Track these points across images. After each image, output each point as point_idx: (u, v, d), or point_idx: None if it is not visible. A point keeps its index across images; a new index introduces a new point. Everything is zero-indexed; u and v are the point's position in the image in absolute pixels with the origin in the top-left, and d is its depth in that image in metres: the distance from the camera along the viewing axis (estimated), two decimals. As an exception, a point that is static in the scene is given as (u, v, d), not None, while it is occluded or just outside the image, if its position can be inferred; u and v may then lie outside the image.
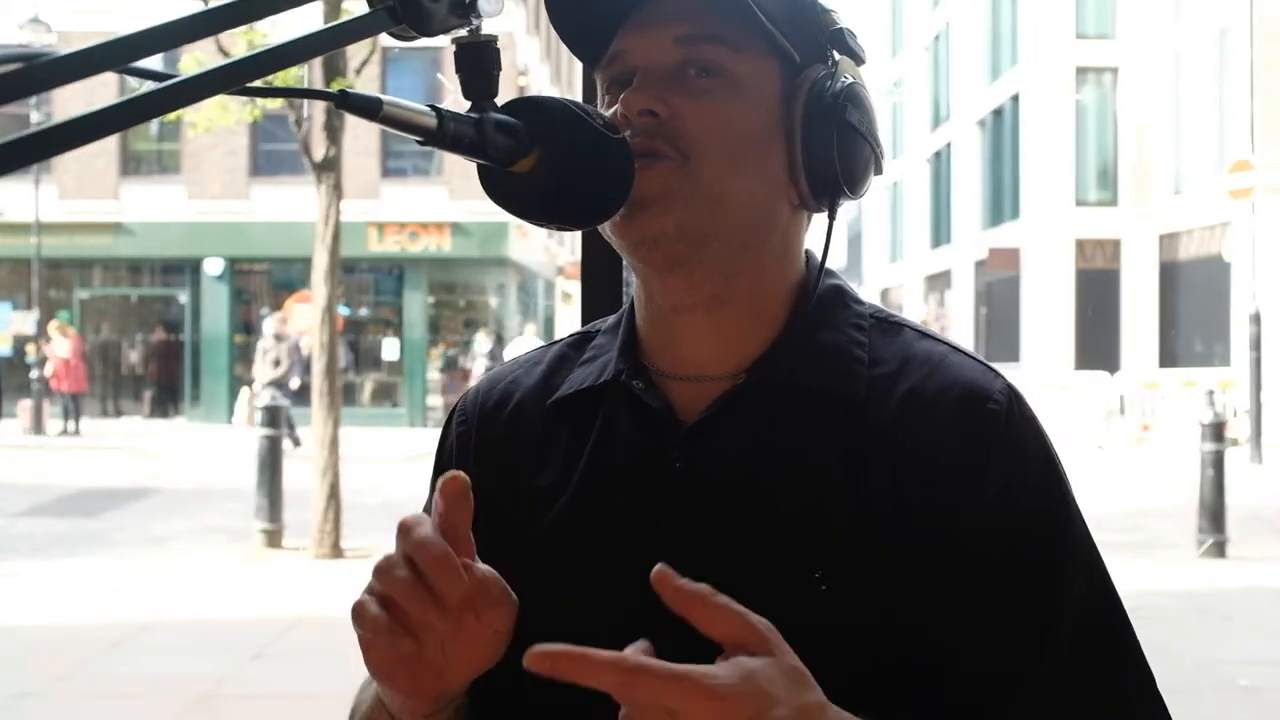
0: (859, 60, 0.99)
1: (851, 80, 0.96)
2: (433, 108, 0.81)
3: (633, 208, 0.92)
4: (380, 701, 0.95)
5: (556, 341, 1.11)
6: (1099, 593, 0.93)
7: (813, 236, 1.04)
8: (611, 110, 0.95)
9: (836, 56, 0.98)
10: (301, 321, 17.55)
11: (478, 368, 19.30)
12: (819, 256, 1.02)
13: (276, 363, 16.27)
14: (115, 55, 0.63)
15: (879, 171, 1.00)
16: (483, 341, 19.94)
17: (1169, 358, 22.82)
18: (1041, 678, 0.90)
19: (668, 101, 0.93)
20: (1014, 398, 0.95)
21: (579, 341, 1.09)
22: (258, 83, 0.69)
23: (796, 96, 0.95)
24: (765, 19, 0.92)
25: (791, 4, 0.97)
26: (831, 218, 0.98)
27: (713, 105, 0.93)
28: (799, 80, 0.95)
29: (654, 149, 0.92)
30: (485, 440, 1.05)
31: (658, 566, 0.79)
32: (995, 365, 1.00)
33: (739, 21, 0.92)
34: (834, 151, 0.94)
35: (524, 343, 18.64)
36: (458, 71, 0.85)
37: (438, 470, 1.09)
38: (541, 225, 0.93)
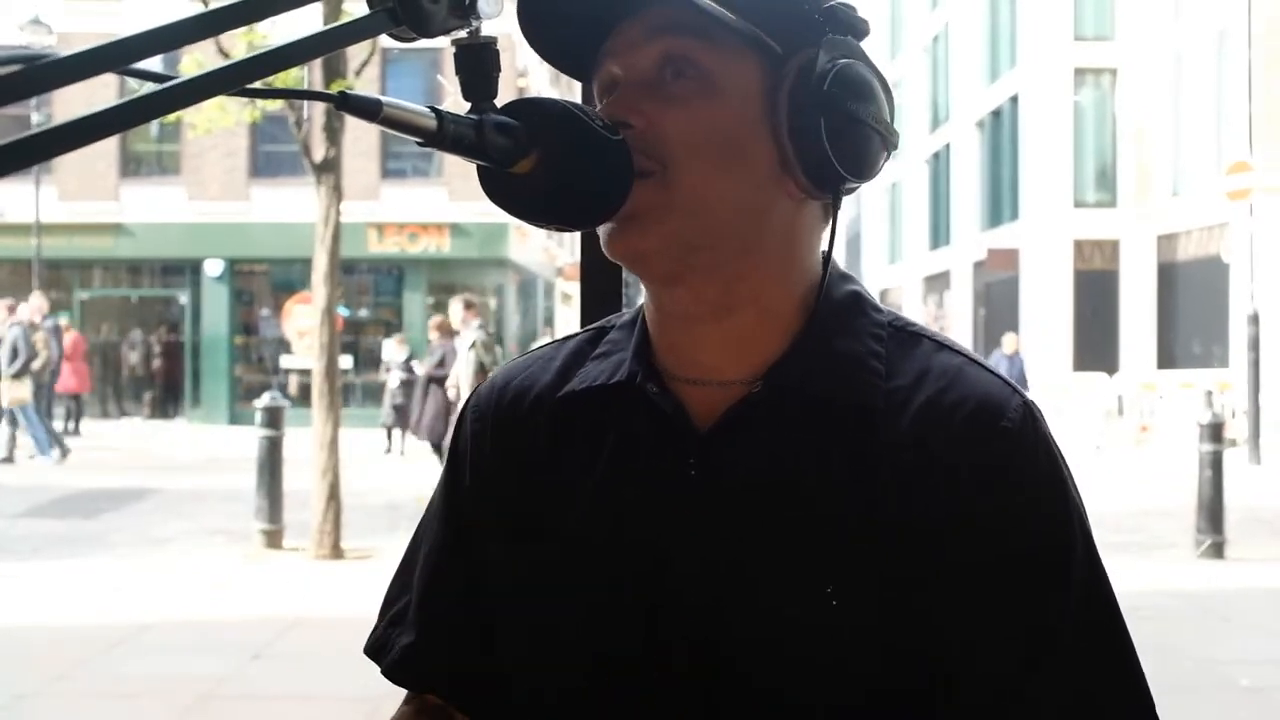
0: (858, 33, 0.95)
1: (843, 61, 0.92)
2: (432, 109, 0.81)
3: (618, 222, 0.92)
4: None
5: (571, 336, 1.10)
6: (1099, 617, 0.93)
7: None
8: None
9: (831, 36, 0.93)
10: (302, 322, 17.53)
11: (391, 381, 16.43)
12: (831, 256, 1.01)
13: (15, 354, 14.79)
14: (116, 56, 0.63)
15: (893, 147, 0.97)
16: (395, 352, 16.70)
17: (1167, 359, 22.81)
18: (1033, 694, 0.90)
19: (643, 111, 0.92)
20: (1029, 415, 0.94)
21: (594, 337, 1.08)
22: (258, 84, 0.70)
23: (780, 88, 0.92)
24: (736, 15, 0.90)
25: None
26: (836, 206, 0.97)
27: (690, 110, 0.92)
28: (783, 71, 0.92)
29: (638, 166, 0.90)
30: (500, 435, 1.05)
31: None
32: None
33: (711, 15, 0.90)
34: (823, 141, 0.91)
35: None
36: (457, 73, 0.85)
37: (451, 464, 1.10)
38: (541, 226, 0.93)
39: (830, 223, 0.98)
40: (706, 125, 0.92)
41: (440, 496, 1.10)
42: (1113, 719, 0.92)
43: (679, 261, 0.93)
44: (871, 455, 0.93)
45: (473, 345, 10.39)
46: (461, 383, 10.59)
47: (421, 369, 12.20)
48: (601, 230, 0.94)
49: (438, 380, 11.38)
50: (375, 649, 1.10)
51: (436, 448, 11.42)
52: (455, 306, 11.03)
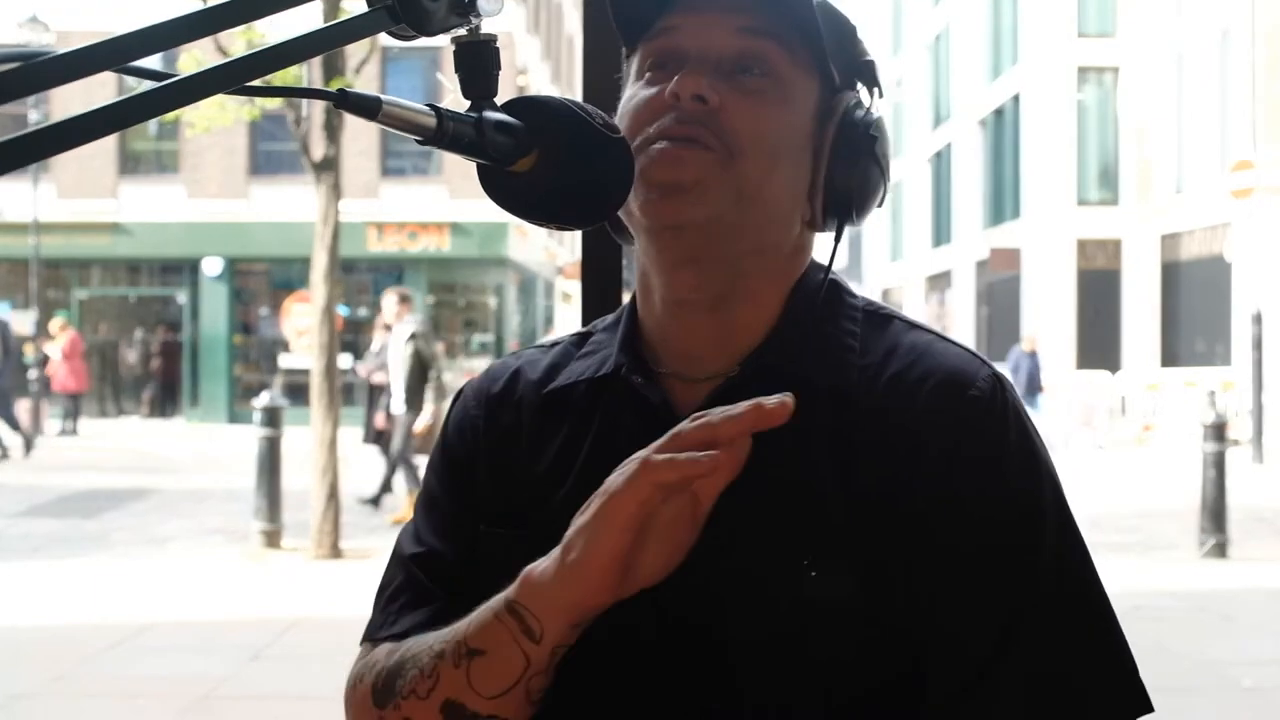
0: (881, 94, 1.03)
1: (879, 115, 1.00)
2: (432, 107, 0.80)
3: (667, 192, 0.93)
4: (513, 613, 0.88)
5: (558, 340, 1.13)
6: (1076, 584, 0.93)
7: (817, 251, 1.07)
8: (654, 89, 0.96)
9: (865, 87, 1.02)
10: (301, 321, 17.52)
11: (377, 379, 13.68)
12: (820, 262, 1.05)
13: None
14: (114, 54, 0.63)
15: (882, 203, 1.04)
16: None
17: (1170, 358, 22.82)
18: (1010, 665, 0.90)
19: (719, 92, 0.94)
20: (998, 385, 0.96)
21: (580, 339, 1.10)
22: (257, 82, 0.69)
23: (830, 118, 0.98)
24: (820, 33, 0.95)
25: (837, 27, 1.00)
26: (837, 240, 1.01)
27: (762, 106, 0.95)
28: (833, 102, 0.99)
29: (696, 136, 0.93)
30: (490, 426, 1.07)
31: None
32: (997, 365, 1.01)
33: (796, 29, 0.95)
34: (855, 181, 0.98)
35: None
36: (457, 71, 0.85)
37: (440, 451, 1.11)
38: (541, 225, 0.93)
39: (832, 252, 1.02)
40: (773, 125, 0.96)
41: (433, 482, 1.10)
42: (1093, 699, 0.91)
43: (710, 241, 0.95)
44: (845, 431, 0.95)
45: (411, 337, 9.80)
46: (393, 377, 9.95)
47: (364, 370, 11.21)
48: (641, 196, 0.94)
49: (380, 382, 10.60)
50: (373, 629, 1.08)
51: (386, 452, 10.57)
52: (389, 300, 10.30)
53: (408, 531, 1.10)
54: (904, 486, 0.92)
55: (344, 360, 15.67)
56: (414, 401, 9.84)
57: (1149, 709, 0.93)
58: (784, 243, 1.00)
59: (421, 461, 10.08)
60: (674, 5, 0.98)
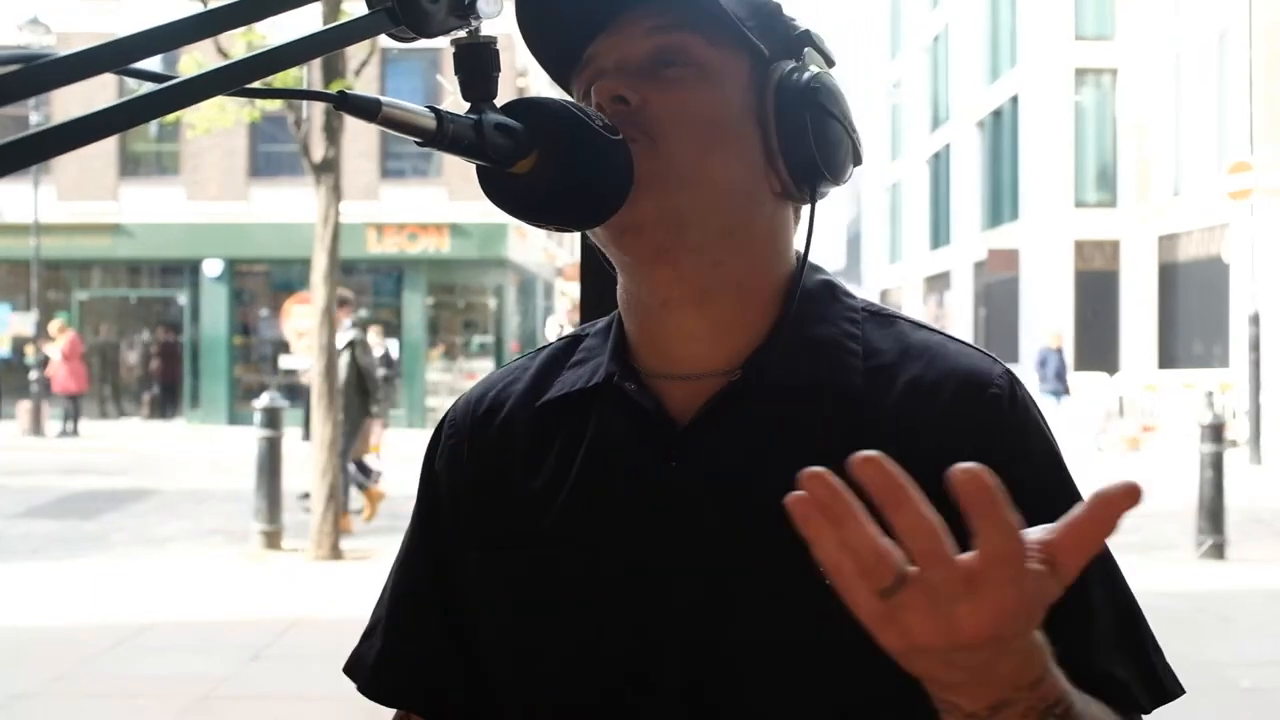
0: (829, 61, 1.01)
1: (823, 71, 0.97)
2: (432, 109, 0.81)
3: None
4: None
5: (544, 347, 1.10)
6: (1104, 577, 0.95)
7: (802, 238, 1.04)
8: None
9: (811, 50, 0.99)
10: (300, 322, 17.51)
11: None
12: (816, 265, 1.02)
13: None
14: (114, 56, 0.63)
15: (858, 160, 1.00)
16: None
17: (1168, 359, 22.80)
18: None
19: (638, 90, 0.93)
20: (1013, 383, 0.96)
21: (568, 345, 1.08)
22: (257, 84, 0.70)
23: (767, 85, 0.95)
24: (732, 16, 0.93)
25: (757, 8, 0.98)
26: (813, 204, 0.98)
27: (681, 92, 0.94)
28: (769, 71, 0.96)
29: (625, 134, 0.92)
30: (476, 448, 1.04)
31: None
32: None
33: (706, 15, 0.94)
34: (809, 135, 0.94)
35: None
36: (457, 72, 0.85)
37: (425, 481, 1.09)
38: (540, 226, 0.93)
39: (809, 220, 1.00)
40: (697, 105, 0.94)
41: (416, 514, 1.09)
42: (1128, 689, 0.92)
43: (671, 235, 0.93)
44: (856, 436, 0.92)
45: (349, 345, 9.32)
46: None
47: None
48: None
49: None
50: (352, 664, 1.09)
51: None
52: None
53: (392, 569, 1.10)
54: (923, 488, 0.91)
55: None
56: (350, 414, 9.26)
57: (1180, 691, 0.95)
58: (754, 222, 0.97)
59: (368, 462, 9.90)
60: (590, 35, 0.97)
